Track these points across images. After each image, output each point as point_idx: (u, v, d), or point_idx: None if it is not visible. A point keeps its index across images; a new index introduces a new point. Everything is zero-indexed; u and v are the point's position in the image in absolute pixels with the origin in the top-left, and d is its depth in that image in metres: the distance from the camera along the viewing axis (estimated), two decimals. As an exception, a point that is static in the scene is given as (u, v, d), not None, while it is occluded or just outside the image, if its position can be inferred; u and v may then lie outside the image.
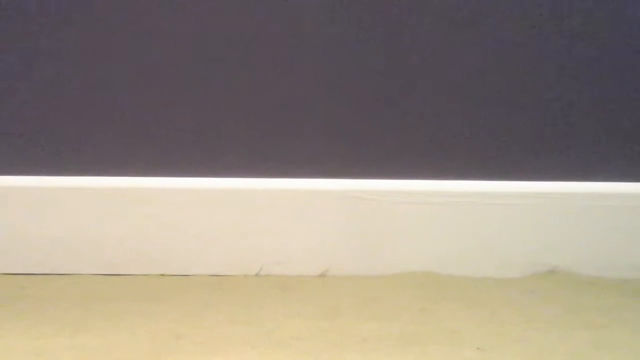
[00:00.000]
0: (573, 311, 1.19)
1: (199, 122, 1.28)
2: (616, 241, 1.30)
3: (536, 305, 1.20)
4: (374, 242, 1.29)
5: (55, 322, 1.14)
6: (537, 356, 1.07)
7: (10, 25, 1.24)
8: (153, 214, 1.28)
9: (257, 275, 1.30)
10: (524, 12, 1.26)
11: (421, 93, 1.28)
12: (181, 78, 1.27)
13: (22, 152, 1.28)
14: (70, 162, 1.28)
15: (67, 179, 1.28)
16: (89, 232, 1.28)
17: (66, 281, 1.27)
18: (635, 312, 1.19)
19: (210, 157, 1.29)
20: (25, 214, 1.28)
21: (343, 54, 1.27)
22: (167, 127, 1.28)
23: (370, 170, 1.29)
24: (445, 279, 1.29)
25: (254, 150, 1.29)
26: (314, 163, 1.29)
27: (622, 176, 1.30)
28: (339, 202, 1.29)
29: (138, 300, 1.21)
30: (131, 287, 1.25)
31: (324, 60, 1.27)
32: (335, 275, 1.30)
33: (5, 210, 1.28)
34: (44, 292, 1.23)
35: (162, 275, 1.29)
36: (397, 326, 1.14)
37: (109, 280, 1.28)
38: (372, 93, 1.28)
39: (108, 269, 1.29)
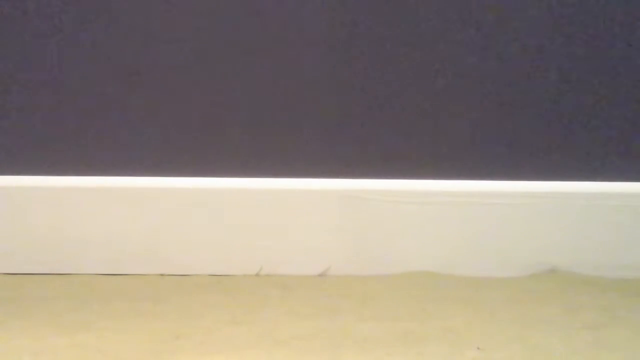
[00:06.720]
0: (573, 311, 1.19)
1: (199, 122, 1.28)
2: (616, 241, 1.30)
3: (536, 305, 1.20)
4: (374, 242, 1.29)
5: (55, 322, 1.14)
6: (537, 356, 1.07)
7: (10, 25, 1.24)
8: (153, 213, 1.28)
9: (257, 275, 1.30)
10: (524, 11, 1.26)
11: (421, 93, 1.28)
12: (181, 78, 1.27)
13: (23, 152, 1.28)
14: (70, 162, 1.28)
15: (67, 179, 1.28)
16: (89, 232, 1.28)
17: (66, 281, 1.27)
18: (635, 312, 1.19)
19: (210, 157, 1.29)
20: (25, 214, 1.28)
21: (343, 53, 1.27)
22: (167, 127, 1.28)
23: (370, 170, 1.29)
24: (445, 279, 1.29)
25: (254, 150, 1.29)
26: (314, 163, 1.29)
27: (622, 176, 1.30)
28: (338, 202, 1.29)
29: (138, 300, 1.21)
30: (131, 287, 1.25)
31: (324, 59, 1.27)
32: (335, 275, 1.30)
33: (5, 210, 1.28)
34: (44, 292, 1.23)
35: (162, 275, 1.29)
36: (397, 326, 1.14)
37: (109, 280, 1.28)
38: (372, 93, 1.28)
39: (108, 269, 1.29)
